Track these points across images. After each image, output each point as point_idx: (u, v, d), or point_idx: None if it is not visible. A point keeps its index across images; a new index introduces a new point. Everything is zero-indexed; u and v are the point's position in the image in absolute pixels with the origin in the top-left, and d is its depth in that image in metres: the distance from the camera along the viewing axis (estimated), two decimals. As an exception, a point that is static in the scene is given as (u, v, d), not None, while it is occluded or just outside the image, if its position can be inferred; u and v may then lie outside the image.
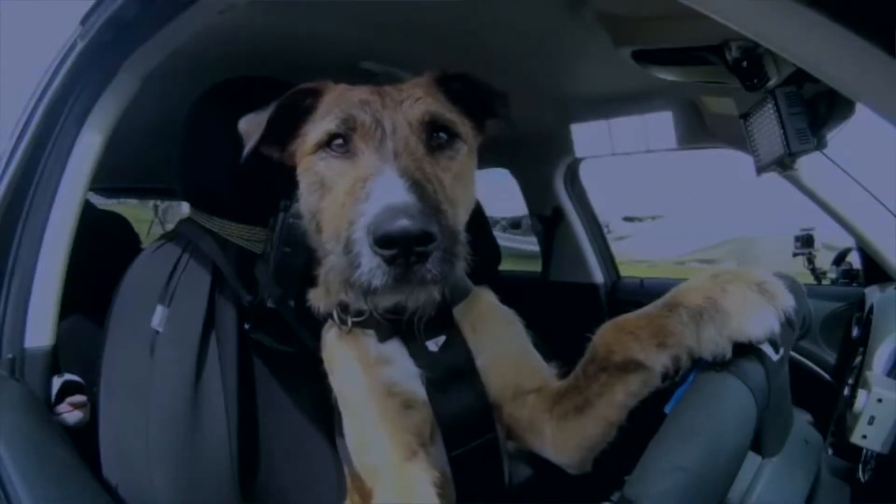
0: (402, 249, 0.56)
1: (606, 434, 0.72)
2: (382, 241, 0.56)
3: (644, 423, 0.70)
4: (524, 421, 0.79)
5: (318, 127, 0.72)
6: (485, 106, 0.79)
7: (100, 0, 0.89)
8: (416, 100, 0.71)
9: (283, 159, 0.80)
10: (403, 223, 0.55)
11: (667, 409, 0.55)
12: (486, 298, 0.87)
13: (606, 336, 0.69)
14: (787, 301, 0.57)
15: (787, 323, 0.56)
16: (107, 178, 1.84)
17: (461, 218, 0.70)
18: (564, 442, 0.75)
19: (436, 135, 0.71)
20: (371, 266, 0.58)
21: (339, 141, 0.70)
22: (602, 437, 0.73)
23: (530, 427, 0.78)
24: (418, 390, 0.75)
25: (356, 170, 0.67)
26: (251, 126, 0.78)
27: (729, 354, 0.56)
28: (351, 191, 0.64)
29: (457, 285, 0.81)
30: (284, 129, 0.78)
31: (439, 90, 0.76)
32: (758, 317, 0.56)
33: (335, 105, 0.72)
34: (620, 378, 0.68)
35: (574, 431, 0.74)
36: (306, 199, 0.75)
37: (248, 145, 0.77)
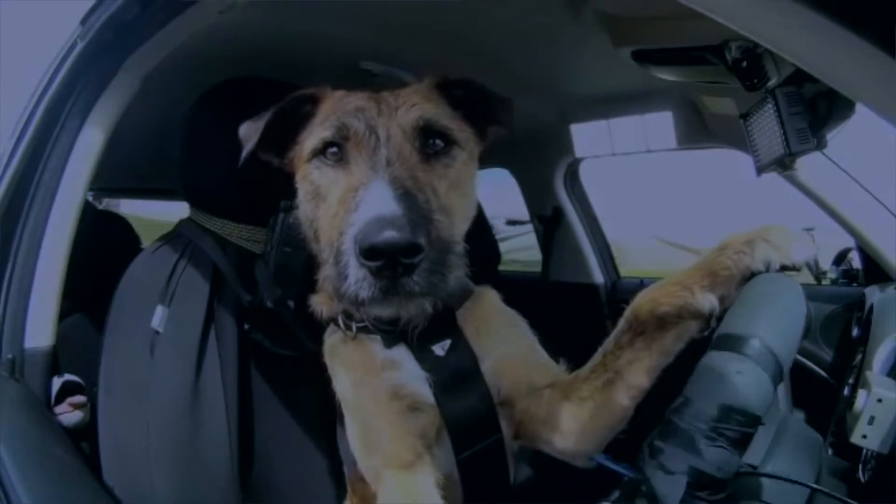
0: (388, 261, 0.56)
1: (631, 407, 0.72)
2: (368, 253, 0.56)
3: (642, 424, 0.70)
4: (541, 414, 0.78)
5: (314, 134, 0.72)
6: (487, 112, 0.78)
7: (100, 0, 0.89)
8: (412, 106, 0.71)
9: (282, 166, 0.80)
10: (389, 234, 0.55)
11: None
12: (489, 298, 0.86)
13: (651, 293, 0.70)
14: (815, 246, 0.67)
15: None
16: (107, 178, 1.84)
17: (458, 227, 0.69)
18: (586, 426, 0.75)
19: (431, 142, 0.71)
20: (358, 277, 0.58)
21: (334, 149, 0.70)
22: (626, 412, 0.73)
23: (547, 420, 0.77)
24: (425, 393, 0.75)
25: (349, 179, 0.66)
26: (250, 132, 0.78)
27: (778, 267, 0.63)
28: (343, 200, 0.64)
29: (458, 288, 0.81)
30: (283, 135, 0.78)
31: (440, 96, 0.75)
32: (798, 246, 0.64)
33: (332, 112, 0.72)
34: (656, 338, 0.69)
35: (600, 410, 0.73)
36: (304, 207, 0.75)
37: (245, 151, 0.77)
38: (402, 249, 0.55)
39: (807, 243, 0.64)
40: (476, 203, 0.78)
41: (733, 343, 0.56)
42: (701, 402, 0.53)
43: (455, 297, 0.80)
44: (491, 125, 0.80)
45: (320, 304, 0.83)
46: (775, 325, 0.56)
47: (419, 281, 0.57)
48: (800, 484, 0.56)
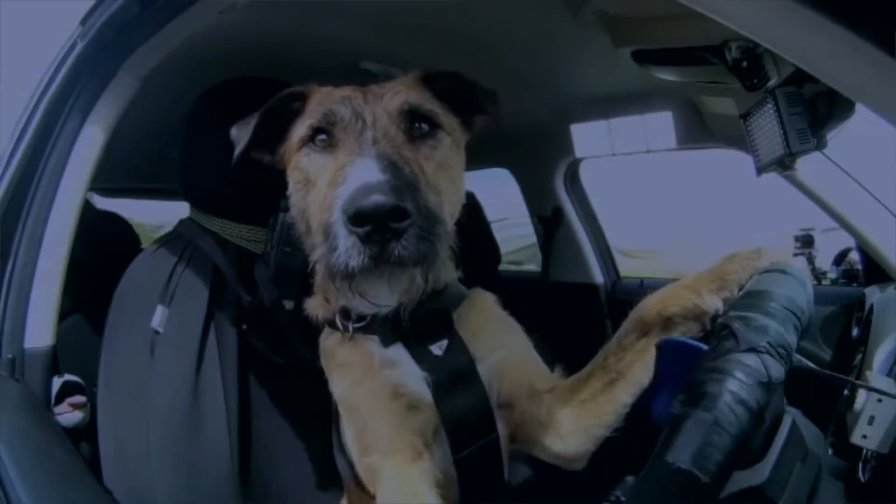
0: (377, 225, 0.56)
1: (630, 404, 0.76)
2: (356, 218, 0.56)
3: (641, 424, 0.71)
4: (542, 417, 0.79)
5: (303, 123, 0.74)
6: (472, 103, 0.80)
7: (100, 0, 0.89)
8: (397, 93, 0.72)
9: (274, 163, 0.81)
10: (376, 198, 0.56)
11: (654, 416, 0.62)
12: (484, 301, 0.87)
13: (659, 296, 0.74)
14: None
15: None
16: (107, 178, 1.84)
17: (447, 209, 0.70)
18: (586, 428, 0.77)
19: (417, 125, 0.72)
20: (347, 246, 0.59)
21: (323, 136, 0.72)
22: (626, 409, 0.76)
23: (548, 423, 0.79)
24: (423, 392, 0.75)
25: (337, 160, 0.68)
26: (241, 132, 0.79)
27: None
28: (332, 180, 0.65)
29: (452, 290, 0.81)
30: (274, 133, 0.79)
31: (424, 87, 0.77)
32: (797, 260, 0.71)
33: (320, 104, 0.74)
34: (660, 338, 0.72)
35: (601, 410, 0.76)
36: (294, 197, 0.76)
37: (236, 151, 0.78)
38: (389, 213, 0.56)
39: (801, 263, 0.71)
40: (464, 191, 0.78)
41: (778, 268, 0.64)
42: (761, 291, 0.60)
43: (452, 298, 0.81)
44: (477, 115, 0.81)
45: (315, 307, 0.83)
46: (804, 271, 0.66)
47: (408, 246, 0.58)
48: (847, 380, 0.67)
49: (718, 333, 0.58)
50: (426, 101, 0.74)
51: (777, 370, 0.54)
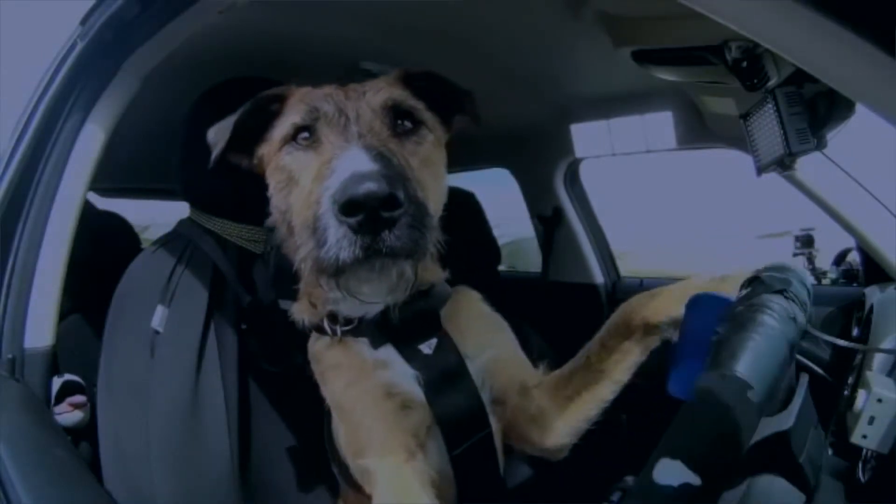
0: (369, 214, 0.55)
1: (611, 400, 0.80)
2: (347, 207, 0.55)
3: (641, 424, 0.71)
4: (532, 411, 0.80)
5: (284, 122, 0.73)
6: (451, 103, 0.80)
7: (100, 0, 0.90)
8: (379, 90, 0.73)
9: (252, 167, 0.81)
10: (369, 185, 0.55)
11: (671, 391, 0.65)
12: (470, 298, 0.87)
13: (647, 304, 0.76)
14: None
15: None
16: (107, 178, 1.84)
17: (431, 205, 0.68)
18: (570, 422, 0.80)
19: (400, 122, 0.72)
20: (338, 237, 0.57)
21: (305, 134, 0.71)
22: (607, 404, 0.80)
23: (536, 418, 0.80)
24: (416, 392, 0.76)
25: (321, 155, 0.67)
26: (219, 135, 0.78)
27: None
28: (318, 174, 0.64)
29: (438, 290, 0.82)
30: (252, 136, 0.78)
31: (404, 86, 0.77)
32: (796, 260, 0.73)
33: (301, 102, 0.73)
34: (643, 341, 0.76)
35: (586, 406, 0.79)
36: (276, 198, 0.75)
37: (214, 154, 0.77)
38: (382, 201, 0.55)
39: (801, 263, 0.71)
40: (446, 190, 0.78)
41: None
42: (777, 266, 0.63)
43: (438, 297, 0.81)
44: (456, 116, 0.82)
45: (301, 312, 0.83)
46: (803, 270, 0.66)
47: (401, 236, 0.57)
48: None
49: (748, 284, 0.62)
50: (408, 98, 0.74)
51: (801, 316, 0.57)
